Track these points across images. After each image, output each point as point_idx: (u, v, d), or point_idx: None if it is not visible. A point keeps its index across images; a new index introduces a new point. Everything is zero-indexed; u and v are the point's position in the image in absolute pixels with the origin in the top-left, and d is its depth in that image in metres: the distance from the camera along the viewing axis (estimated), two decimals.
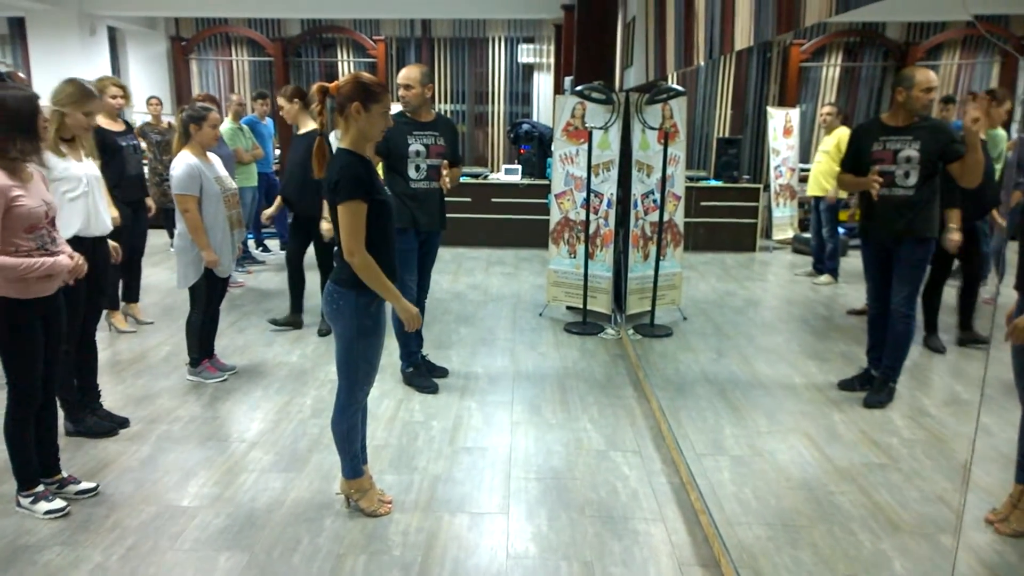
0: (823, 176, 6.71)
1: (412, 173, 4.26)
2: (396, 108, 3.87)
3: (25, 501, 3.07)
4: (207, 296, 4.42)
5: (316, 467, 3.50)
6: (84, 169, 3.66)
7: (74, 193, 3.59)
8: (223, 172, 4.39)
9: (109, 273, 4.01)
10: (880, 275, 4.12)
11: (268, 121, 8.02)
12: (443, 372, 4.70)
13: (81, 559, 2.77)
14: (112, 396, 4.20)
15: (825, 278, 6.47)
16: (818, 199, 6.76)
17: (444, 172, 4.31)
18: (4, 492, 3.21)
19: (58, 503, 3.08)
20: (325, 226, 5.05)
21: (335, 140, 3.04)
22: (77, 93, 3.57)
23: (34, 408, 3.02)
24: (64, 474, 3.23)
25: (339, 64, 10.71)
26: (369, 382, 3.04)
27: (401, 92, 4.24)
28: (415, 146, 4.24)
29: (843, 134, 6.70)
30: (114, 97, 5.05)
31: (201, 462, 3.53)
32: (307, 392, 4.40)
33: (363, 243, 2.78)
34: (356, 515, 3.09)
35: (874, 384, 4.06)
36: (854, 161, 4.08)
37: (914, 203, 3.89)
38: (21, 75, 5.42)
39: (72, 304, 3.38)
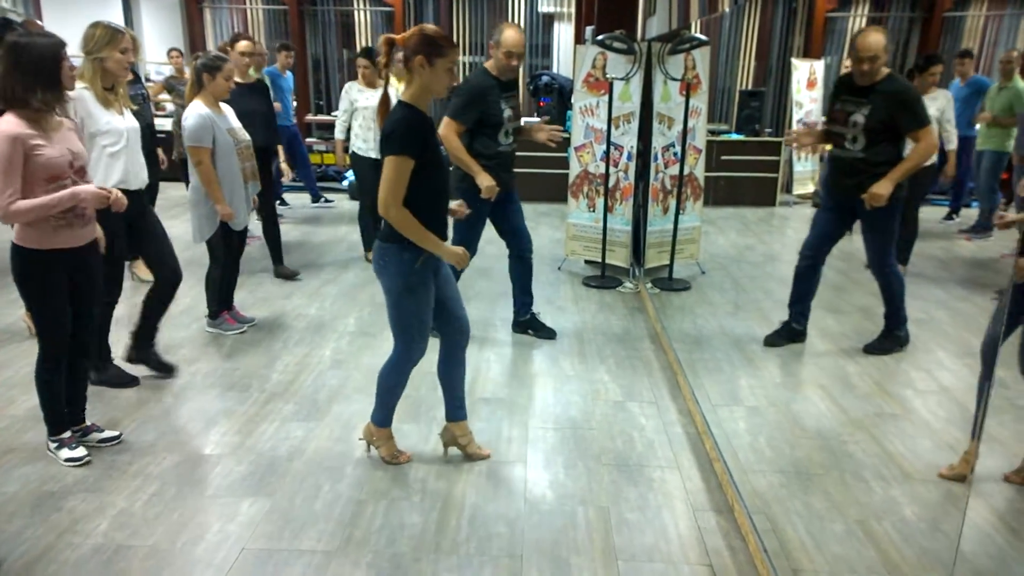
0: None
1: (502, 139, 4.24)
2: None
3: (52, 446, 3.16)
4: (225, 249, 4.45)
5: (336, 417, 3.56)
6: (125, 123, 3.61)
7: (115, 148, 3.54)
8: (236, 123, 4.34)
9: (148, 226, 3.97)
10: (823, 228, 4.12)
11: (288, 75, 7.94)
12: (550, 333, 4.67)
13: (105, 505, 2.84)
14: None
15: None
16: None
17: (544, 130, 4.46)
18: (29, 440, 3.30)
19: (80, 451, 3.14)
20: None
21: (395, 94, 2.99)
22: (107, 34, 3.47)
23: (61, 359, 3.07)
24: (88, 422, 3.30)
25: (355, 13, 10.59)
26: (424, 338, 2.99)
27: (514, 62, 4.13)
28: (507, 111, 4.21)
29: None
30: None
31: (222, 412, 3.60)
32: (326, 344, 4.45)
33: (400, 198, 2.73)
34: (377, 463, 3.16)
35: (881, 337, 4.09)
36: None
37: (866, 165, 3.85)
38: (38, 22, 5.38)
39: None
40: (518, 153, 4.58)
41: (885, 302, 4.01)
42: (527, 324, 4.67)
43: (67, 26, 3.80)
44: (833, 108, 3.94)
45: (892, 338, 4.05)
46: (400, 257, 2.83)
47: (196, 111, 4.12)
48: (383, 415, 3.15)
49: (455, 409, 3.21)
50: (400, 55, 2.83)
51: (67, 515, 2.77)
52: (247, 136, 4.40)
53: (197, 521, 2.75)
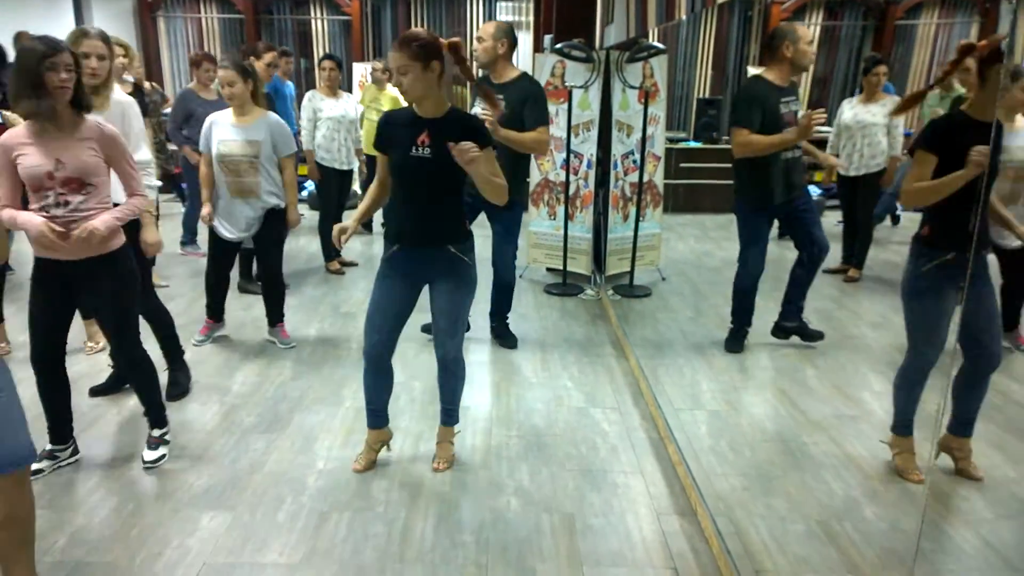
0: None
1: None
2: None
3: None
4: (211, 251, 4.42)
5: (297, 428, 3.51)
6: None
7: None
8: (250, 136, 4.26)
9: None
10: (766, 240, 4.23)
11: (289, 83, 7.35)
12: (512, 342, 4.66)
13: (63, 521, 2.77)
14: (90, 361, 4.18)
15: None
16: None
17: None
18: None
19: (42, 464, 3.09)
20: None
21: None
22: (71, 37, 3.38)
23: (38, 366, 3.01)
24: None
25: (312, 22, 10.52)
26: (370, 330, 3.00)
27: (474, 45, 4.18)
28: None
29: None
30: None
31: (181, 424, 3.53)
32: (287, 355, 4.40)
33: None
34: (339, 474, 3.12)
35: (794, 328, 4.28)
36: (763, 123, 3.89)
37: (802, 163, 4.04)
38: (28, 32, 5.20)
39: None
40: None
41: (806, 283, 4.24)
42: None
43: (15, 31, 3.71)
44: (782, 113, 3.94)
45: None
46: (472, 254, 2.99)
47: (210, 117, 4.23)
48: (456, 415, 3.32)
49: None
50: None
51: None
52: (243, 152, 4.15)
53: (157, 536, 2.69)
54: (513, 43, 4.22)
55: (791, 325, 4.28)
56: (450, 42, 2.82)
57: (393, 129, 2.85)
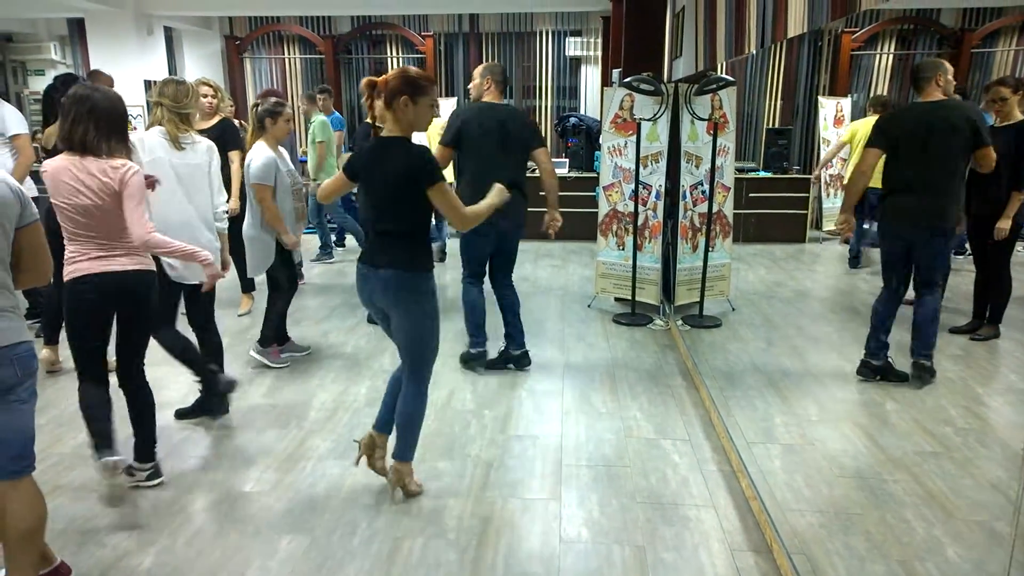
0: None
1: None
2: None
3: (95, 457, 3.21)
4: (289, 280, 4.67)
5: None
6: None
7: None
8: (292, 166, 4.61)
9: None
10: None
11: (335, 114, 8.26)
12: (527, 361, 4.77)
13: (148, 542, 2.89)
14: (176, 385, 4.36)
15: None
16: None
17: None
18: (75, 477, 3.38)
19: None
20: None
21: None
22: (183, 88, 3.76)
23: (86, 380, 3.16)
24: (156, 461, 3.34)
25: (388, 60, 10.85)
26: (435, 358, 3.19)
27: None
28: None
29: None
30: (205, 96, 5.33)
31: (261, 449, 3.65)
32: (361, 382, 4.51)
33: (462, 206, 2.99)
34: (412, 500, 3.18)
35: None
36: None
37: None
38: (105, 73, 5.63)
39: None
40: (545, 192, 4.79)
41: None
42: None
43: (115, 76, 3.99)
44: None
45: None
46: (427, 286, 3.01)
47: (263, 153, 4.37)
48: (413, 450, 3.22)
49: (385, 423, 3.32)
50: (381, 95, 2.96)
51: (111, 551, 2.83)
52: (300, 179, 4.68)
53: (238, 558, 2.79)
54: (499, 80, 4.52)
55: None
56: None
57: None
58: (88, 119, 2.89)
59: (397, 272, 2.96)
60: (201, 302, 3.93)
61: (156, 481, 3.30)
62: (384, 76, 2.93)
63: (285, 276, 4.65)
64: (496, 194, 3.11)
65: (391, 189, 2.93)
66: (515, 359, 4.70)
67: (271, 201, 4.36)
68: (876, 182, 4.20)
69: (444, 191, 2.91)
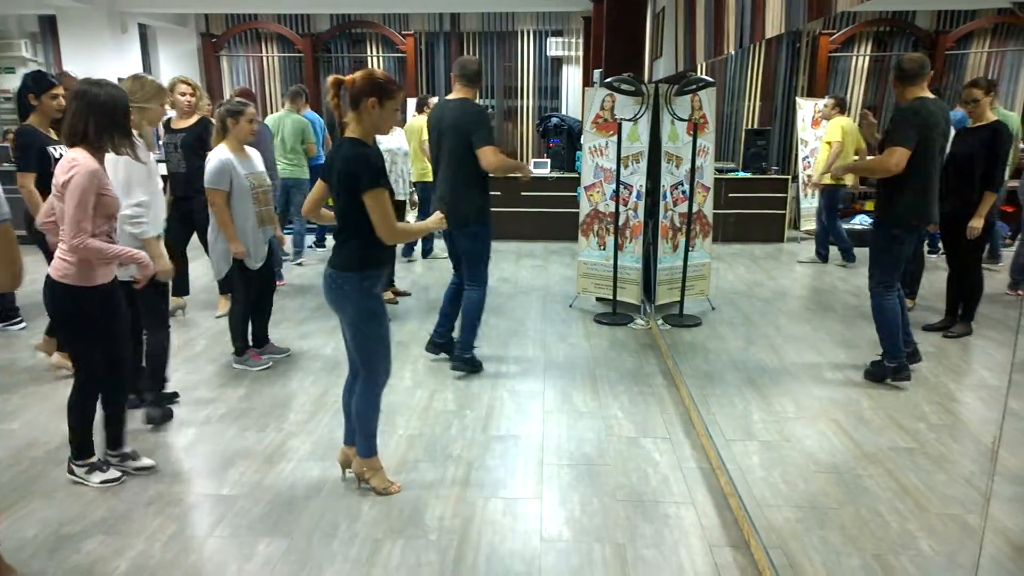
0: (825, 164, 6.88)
1: None
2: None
3: (80, 471, 3.25)
4: (244, 287, 4.55)
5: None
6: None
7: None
8: (260, 168, 4.51)
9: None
10: None
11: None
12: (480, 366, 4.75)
13: (124, 547, 2.86)
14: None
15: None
16: (826, 186, 6.94)
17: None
18: (49, 483, 3.34)
19: (113, 473, 3.27)
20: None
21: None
22: (153, 88, 3.76)
23: (97, 387, 3.19)
24: (127, 448, 3.40)
25: (369, 60, 10.82)
26: (388, 361, 3.16)
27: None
28: None
29: (838, 123, 6.83)
30: (183, 95, 5.32)
31: (240, 451, 3.63)
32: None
33: (395, 222, 2.94)
34: (392, 501, 3.18)
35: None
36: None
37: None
38: (72, 74, 5.61)
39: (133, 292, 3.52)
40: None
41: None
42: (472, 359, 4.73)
43: (88, 74, 3.95)
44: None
45: (880, 367, 4.08)
46: (360, 285, 2.98)
47: (217, 156, 4.31)
48: (367, 444, 3.22)
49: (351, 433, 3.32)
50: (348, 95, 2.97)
51: (85, 557, 2.79)
52: (268, 181, 4.57)
53: (215, 562, 2.77)
54: (461, 74, 4.39)
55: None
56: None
57: None
58: (88, 114, 2.95)
59: (334, 272, 3.01)
60: (146, 303, 3.77)
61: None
62: (351, 76, 2.93)
63: (241, 280, 4.54)
64: (433, 221, 3.18)
65: (337, 189, 2.96)
66: (453, 354, 4.72)
67: (223, 205, 4.32)
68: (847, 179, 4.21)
69: (376, 199, 2.86)
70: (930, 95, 3.95)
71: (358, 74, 2.93)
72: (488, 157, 4.24)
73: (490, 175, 4.34)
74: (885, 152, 3.92)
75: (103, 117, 2.96)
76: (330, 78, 2.97)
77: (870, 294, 4.13)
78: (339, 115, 2.99)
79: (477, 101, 4.41)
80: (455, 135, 4.29)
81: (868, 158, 4.00)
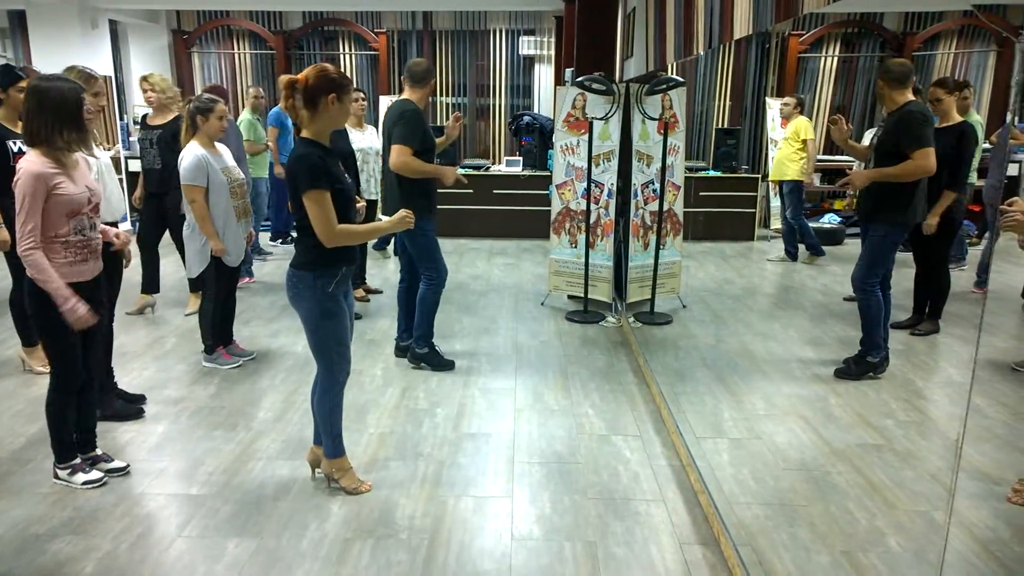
0: (786, 161, 7.01)
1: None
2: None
3: (63, 474, 3.21)
4: (217, 284, 4.50)
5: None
6: (97, 155, 3.76)
7: None
8: (231, 163, 4.48)
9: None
10: None
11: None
12: (450, 365, 4.73)
13: (91, 548, 2.81)
14: (122, 383, 4.25)
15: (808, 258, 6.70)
16: (782, 184, 7.08)
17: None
18: (15, 482, 3.28)
19: (95, 474, 3.23)
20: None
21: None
22: (82, 77, 3.66)
23: (75, 388, 3.15)
24: (98, 451, 3.36)
25: (341, 57, 10.74)
26: (346, 360, 3.12)
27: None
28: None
29: (801, 122, 6.96)
30: (144, 91, 5.32)
31: (208, 450, 3.59)
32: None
33: (335, 222, 2.87)
34: (363, 501, 3.16)
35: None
36: None
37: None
38: (35, 69, 5.51)
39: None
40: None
41: (861, 323, 4.10)
42: (431, 353, 4.74)
43: (57, 68, 3.89)
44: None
45: (863, 363, 4.13)
46: (315, 283, 2.95)
47: (192, 152, 4.27)
48: (333, 445, 3.19)
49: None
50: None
51: (52, 558, 2.75)
52: (241, 175, 4.54)
53: (183, 563, 2.73)
54: (407, 75, 4.41)
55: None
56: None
57: None
58: (38, 112, 2.90)
59: (291, 270, 3.00)
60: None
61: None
62: (303, 74, 2.89)
63: (214, 280, 4.51)
64: (394, 221, 3.09)
65: (289, 189, 2.96)
66: (409, 349, 4.74)
67: (203, 202, 4.29)
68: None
69: (315, 200, 2.82)
70: (915, 98, 4.05)
71: (309, 71, 2.88)
72: (393, 155, 4.23)
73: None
74: (917, 154, 3.95)
75: (53, 115, 2.91)
76: (283, 78, 2.96)
77: (860, 291, 4.18)
78: (293, 116, 2.94)
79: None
80: (388, 135, 4.34)
81: (899, 165, 4.06)
